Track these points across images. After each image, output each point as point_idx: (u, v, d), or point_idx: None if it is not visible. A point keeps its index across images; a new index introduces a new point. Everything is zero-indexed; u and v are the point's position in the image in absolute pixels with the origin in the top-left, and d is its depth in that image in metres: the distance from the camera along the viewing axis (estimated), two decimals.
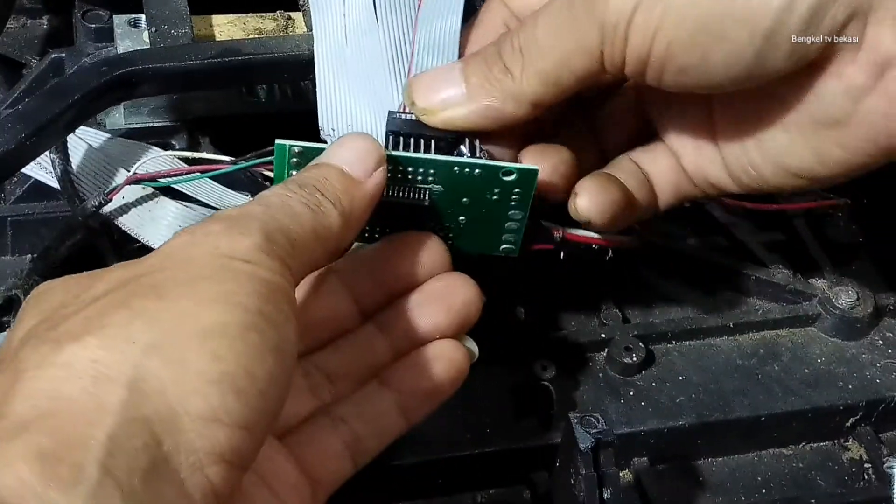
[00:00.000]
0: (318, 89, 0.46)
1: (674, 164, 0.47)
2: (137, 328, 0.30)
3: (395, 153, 0.41)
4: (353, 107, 0.45)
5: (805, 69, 0.39)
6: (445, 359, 0.42)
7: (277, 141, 0.41)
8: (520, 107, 0.42)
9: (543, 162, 0.43)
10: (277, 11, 0.59)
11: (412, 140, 0.43)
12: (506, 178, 0.42)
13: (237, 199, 0.52)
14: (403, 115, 0.44)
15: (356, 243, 0.44)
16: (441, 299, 0.42)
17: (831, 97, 0.39)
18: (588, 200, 0.44)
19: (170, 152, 0.52)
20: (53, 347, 0.30)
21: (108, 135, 0.55)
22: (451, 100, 0.42)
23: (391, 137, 0.43)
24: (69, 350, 0.30)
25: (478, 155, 0.43)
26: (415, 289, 0.43)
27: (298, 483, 0.39)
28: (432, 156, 0.42)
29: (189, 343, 0.30)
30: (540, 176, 0.43)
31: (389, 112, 0.44)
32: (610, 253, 0.48)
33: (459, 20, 0.46)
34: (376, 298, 0.43)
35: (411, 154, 0.42)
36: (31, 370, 0.30)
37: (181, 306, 0.31)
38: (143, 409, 0.29)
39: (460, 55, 0.46)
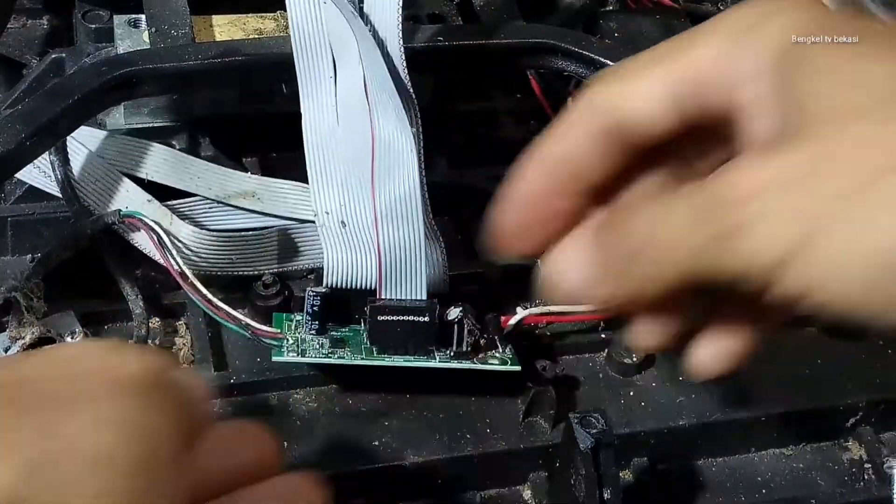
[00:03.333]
0: (309, 170, 0.46)
1: None
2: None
3: None
4: (346, 190, 0.45)
5: None
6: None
7: None
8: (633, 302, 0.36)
9: None
10: (277, 11, 0.59)
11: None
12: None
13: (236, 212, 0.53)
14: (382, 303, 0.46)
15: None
16: None
17: None
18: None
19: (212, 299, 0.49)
20: None
21: (106, 132, 0.55)
22: (578, 291, 0.35)
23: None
24: None
25: (465, 328, 0.47)
26: None
27: None
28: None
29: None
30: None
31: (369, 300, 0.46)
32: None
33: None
34: None
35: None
36: None
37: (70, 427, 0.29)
38: None
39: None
